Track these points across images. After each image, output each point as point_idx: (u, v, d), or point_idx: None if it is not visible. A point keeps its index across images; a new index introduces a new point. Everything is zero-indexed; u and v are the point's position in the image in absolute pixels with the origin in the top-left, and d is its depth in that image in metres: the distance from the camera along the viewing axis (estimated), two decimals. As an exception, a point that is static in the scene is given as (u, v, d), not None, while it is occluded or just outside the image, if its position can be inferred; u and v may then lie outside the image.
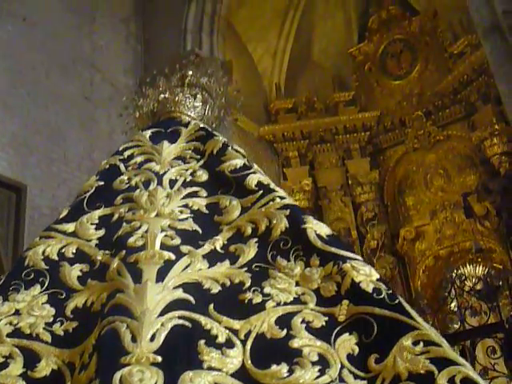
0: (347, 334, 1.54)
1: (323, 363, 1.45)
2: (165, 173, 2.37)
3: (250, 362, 1.45)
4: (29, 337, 1.67)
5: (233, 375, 1.42)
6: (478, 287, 7.79)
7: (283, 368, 1.42)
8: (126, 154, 2.58)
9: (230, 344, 1.50)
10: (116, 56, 9.42)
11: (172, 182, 2.30)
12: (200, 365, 1.42)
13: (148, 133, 2.74)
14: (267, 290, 1.69)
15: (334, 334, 1.54)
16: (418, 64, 12.94)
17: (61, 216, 2.19)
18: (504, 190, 9.79)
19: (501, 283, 7.69)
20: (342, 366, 1.46)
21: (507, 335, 6.48)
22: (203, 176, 2.35)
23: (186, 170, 2.40)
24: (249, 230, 1.95)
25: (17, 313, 1.76)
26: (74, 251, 1.99)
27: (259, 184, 2.17)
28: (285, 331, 1.53)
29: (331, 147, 12.76)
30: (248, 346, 1.50)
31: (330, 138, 12.77)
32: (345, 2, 13.28)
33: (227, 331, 1.54)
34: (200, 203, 2.16)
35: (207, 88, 3.31)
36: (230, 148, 2.48)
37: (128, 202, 2.19)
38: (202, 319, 1.55)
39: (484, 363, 6.92)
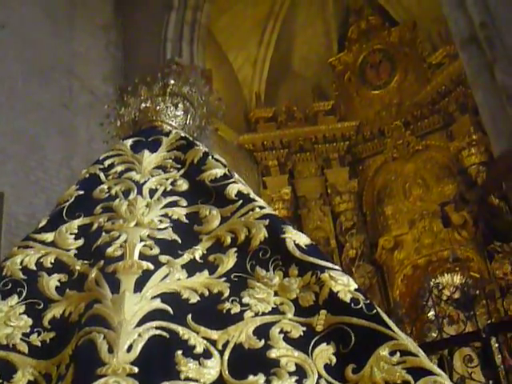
0: (325, 344, 1.55)
1: (300, 373, 1.45)
2: (145, 182, 2.36)
3: (227, 372, 1.45)
4: (5, 347, 1.65)
5: None
6: (456, 296, 7.83)
7: (260, 379, 1.42)
8: (107, 163, 2.57)
9: (207, 354, 1.49)
10: (95, 63, 9.37)
11: (152, 192, 2.29)
12: (177, 375, 1.41)
13: (129, 142, 2.73)
14: (246, 300, 1.69)
15: (311, 344, 1.54)
16: (397, 74, 13.03)
17: (40, 225, 2.17)
18: (481, 200, 9.88)
19: (478, 292, 7.74)
20: (320, 376, 1.46)
21: (484, 344, 6.53)
22: (183, 185, 2.34)
23: (167, 179, 2.39)
24: (228, 240, 1.95)
25: (-7, 323, 1.74)
26: (53, 261, 1.97)
27: (239, 194, 2.18)
28: (263, 341, 1.53)
29: (310, 156, 12.80)
30: (226, 357, 1.49)
31: (309, 147, 12.81)
32: (325, 12, 13.35)
33: (205, 341, 1.53)
34: (180, 213, 2.16)
35: (189, 97, 3.30)
36: (210, 157, 2.47)
37: (107, 212, 2.18)
38: (180, 329, 1.54)
39: (461, 372, 6.97)
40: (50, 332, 1.71)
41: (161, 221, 2.08)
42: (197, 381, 1.42)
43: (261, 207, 2.06)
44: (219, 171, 2.33)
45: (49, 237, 2.09)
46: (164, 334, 1.52)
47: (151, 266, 1.78)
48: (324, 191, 12.55)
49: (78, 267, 1.92)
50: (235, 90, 12.86)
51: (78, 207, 2.25)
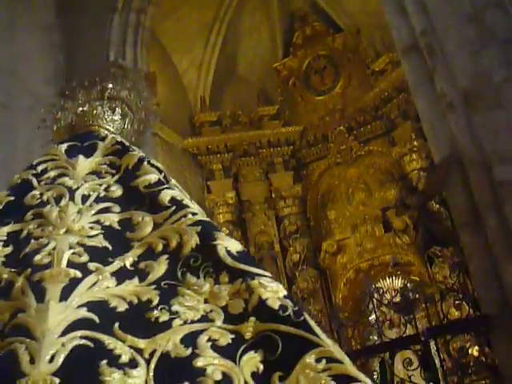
0: (253, 351, 1.54)
1: (227, 382, 1.43)
2: (78, 188, 2.31)
3: (153, 382, 1.42)
4: None
5: None
6: (397, 300, 7.95)
7: (185, 388, 1.41)
8: (40, 168, 2.51)
9: (133, 364, 1.46)
10: (37, 65, 9.20)
11: (85, 198, 2.24)
12: None
13: (64, 146, 2.67)
14: (175, 307, 1.67)
15: (239, 352, 1.53)
16: (341, 80, 13.21)
17: None
18: (421, 205, 10.07)
19: (417, 296, 7.88)
20: (246, 384, 1.46)
21: (423, 347, 6.65)
22: (117, 191, 2.30)
23: (101, 185, 2.34)
24: (160, 247, 1.93)
25: None
26: None
27: (172, 200, 2.15)
28: (190, 350, 1.51)
29: (255, 161, 12.87)
30: (152, 366, 1.47)
31: (253, 152, 12.87)
32: (270, 17, 13.44)
33: (132, 350, 1.50)
34: (112, 219, 2.11)
35: (127, 101, 3.26)
36: (145, 163, 2.44)
37: (38, 218, 2.12)
38: (106, 339, 1.51)
39: (403, 374, 7.09)
40: None
41: (92, 227, 2.03)
42: (121, 391, 1.39)
43: (193, 213, 2.04)
44: (153, 177, 2.30)
45: None
46: (88, 343, 1.49)
47: (79, 274, 1.75)
48: (268, 195, 12.63)
49: (5, 275, 1.85)
50: (180, 93, 12.82)
51: (8, 213, 2.18)
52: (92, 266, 1.81)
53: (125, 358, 1.48)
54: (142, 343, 1.54)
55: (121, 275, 1.81)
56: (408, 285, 10.14)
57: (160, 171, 2.41)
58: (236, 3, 13.05)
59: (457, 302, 7.81)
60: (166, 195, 2.17)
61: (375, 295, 7.96)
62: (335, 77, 13.31)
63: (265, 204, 12.51)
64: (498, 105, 6.05)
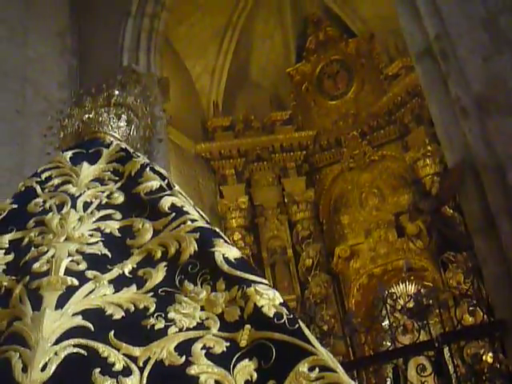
0: (247, 359, 1.54)
1: (220, 390, 1.44)
2: (80, 195, 2.32)
3: (145, 390, 1.43)
4: None
5: None
6: (410, 305, 7.90)
7: (178, 397, 1.41)
8: (44, 175, 2.52)
9: (127, 372, 1.46)
10: (50, 70, 9.26)
11: (86, 205, 2.25)
12: None
13: (69, 154, 2.69)
14: (171, 315, 1.67)
15: (234, 360, 1.53)
16: (354, 85, 13.18)
17: None
18: (435, 210, 10.00)
19: (431, 301, 7.82)
20: (239, 393, 1.46)
21: (437, 353, 6.59)
22: (119, 198, 2.30)
23: (103, 191, 2.35)
24: (158, 254, 1.93)
25: None
26: None
27: (172, 206, 2.15)
28: (184, 358, 1.51)
29: (268, 166, 12.85)
30: (145, 374, 1.47)
31: (266, 157, 12.86)
32: (283, 23, 13.45)
33: (126, 359, 1.50)
34: (113, 226, 2.12)
35: (133, 108, 3.28)
36: (148, 170, 2.44)
37: (40, 226, 2.13)
38: (100, 347, 1.51)
39: (416, 381, 7.04)
40: None
41: (92, 235, 2.04)
42: (113, 399, 1.39)
43: (193, 220, 2.04)
44: (155, 183, 2.31)
45: None
46: (82, 351, 1.49)
47: (76, 282, 1.75)
48: (281, 200, 12.60)
49: (5, 283, 1.86)
50: (193, 98, 12.85)
51: (11, 221, 2.20)
52: (90, 273, 1.82)
53: (118, 366, 1.48)
54: (137, 351, 1.54)
55: (119, 283, 1.81)
56: (421, 290, 10.06)
57: (163, 178, 2.42)
58: (249, 9, 13.07)
59: (471, 307, 7.73)
60: (166, 202, 2.18)
61: (388, 301, 7.89)
62: (348, 82, 13.28)
63: (277, 209, 12.48)
64: (512, 110, 6.01)
